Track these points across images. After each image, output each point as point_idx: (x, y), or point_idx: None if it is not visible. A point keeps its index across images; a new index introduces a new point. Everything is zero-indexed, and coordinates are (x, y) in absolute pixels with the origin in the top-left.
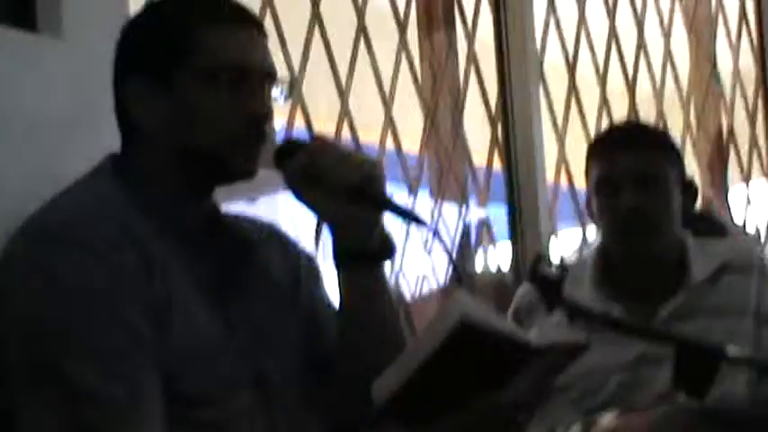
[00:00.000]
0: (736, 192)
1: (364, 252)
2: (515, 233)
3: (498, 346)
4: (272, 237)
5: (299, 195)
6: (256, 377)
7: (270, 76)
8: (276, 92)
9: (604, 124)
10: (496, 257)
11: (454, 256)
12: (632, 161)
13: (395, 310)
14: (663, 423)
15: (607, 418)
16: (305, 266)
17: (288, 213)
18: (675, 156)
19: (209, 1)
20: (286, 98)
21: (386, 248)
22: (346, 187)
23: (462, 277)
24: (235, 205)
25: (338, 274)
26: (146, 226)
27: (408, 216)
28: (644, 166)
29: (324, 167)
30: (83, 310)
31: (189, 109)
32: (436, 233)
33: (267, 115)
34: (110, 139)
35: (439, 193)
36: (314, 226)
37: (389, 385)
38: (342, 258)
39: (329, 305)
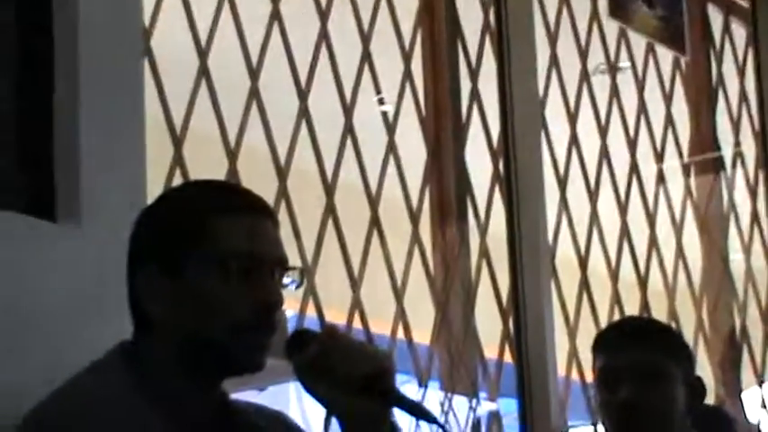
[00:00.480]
0: (751, 394)
1: None
2: (526, 427)
3: None
4: (280, 426)
5: (309, 387)
6: None
7: (281, 265)
8: (287, 280)
9: (616, 318)
10: None
11: None
12: (634, 356)
13: None
14: None
15: None
16: None
17: (297, 403)
18: (682, 353)
19: (221, 190)
20: (297, 286)
21: None
22: (356, 379)
23: None
24: (244, 394)
25: None
26: (154, 416)
27: (418, 411)
28: (646, 361)
29: (335, 359)
30: None
31: (197, 297)
32: (444, 429)
33: (277, 303)
34: (126, 330)
35: (449, 386)
36: (323, 417)
37: None
38: None
39: None
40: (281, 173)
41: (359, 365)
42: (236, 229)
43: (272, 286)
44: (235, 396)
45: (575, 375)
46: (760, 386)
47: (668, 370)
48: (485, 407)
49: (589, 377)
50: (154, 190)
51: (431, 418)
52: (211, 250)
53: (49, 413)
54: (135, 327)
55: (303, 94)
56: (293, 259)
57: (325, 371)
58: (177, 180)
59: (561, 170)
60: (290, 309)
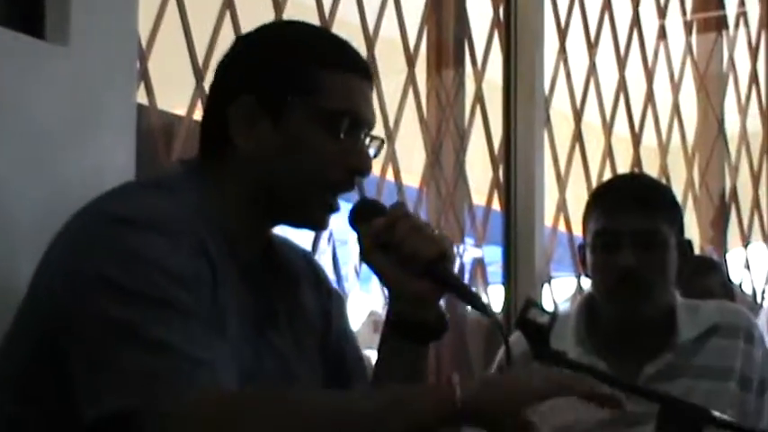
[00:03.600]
0: (735, 255)
1: (420, 326)
2: (510, 276)
3: None
4: (308, 268)
5: (368, 258)
6: None
7: (371, 129)
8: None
9: (607, 172)
10: (489, 298)
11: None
12: (634, 220)
13: None
14: None
15: None
16: (336, 306)
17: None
18: (677, 216)
19: (340, 46)
20: (375, 155)
21: (440, 326)
22: (419, 261)
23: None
24: None
25: (387, 342)
26: (211, 242)
27: (473, 300)
28: (646, 226)
29: (401, 236)
30: (162, 282)
31: (298, 144)
32: (499, 325)
33: (369, 171)
34: (112, 148)
35: (437, 230)
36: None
37: None
38: (396, 327)
39: (357, 349)
40: (277, 4)
41: (424, 248)
42: (347, 87)
43: (367, 152)
44: None
45: (562, 227)
46: (745, 247)
47: (667, 236)
48: (470, 253)
49: (576, 229)
50: (146, 14)
51: (485, 309)
52: (324, 102)
53: (128, 207)
54: (206, 150)
55: None
56: None
57: (388, 246)
58: (171, 6)
59: (562, 20)
60: None
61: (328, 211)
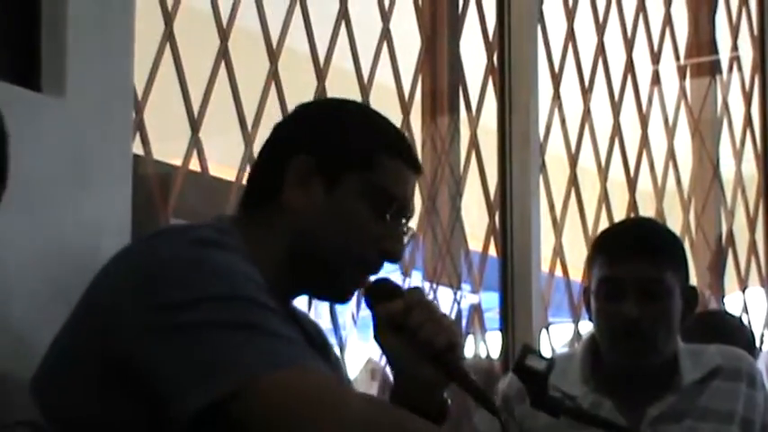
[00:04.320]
0: (733, 299)
1: (422, 411)
2: (507, 322)
3: None
4: (317, 336)
5: (381, 338)
6: None
7: (407, 218)
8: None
9: (603, 217)
10: (487, 345)
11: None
12: (638, 268)
13: None
14: None
15: None
16: (341, 373)
17: None
18: (682, 262)
19: (400, 135)
20: (406, 245)
21: (441, 413)
22: (431, 348)
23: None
24: None
25: None
26: None
27: (477, 393)
28: (650, 274)
29: (417, 324)
30: (254, 289)
31: (345, 213)
32: (499, 416)
33: (399, 260)
34: (108, 198)
35: (433, 277)
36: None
37: None
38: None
39: None
40: (272, 53)
41: (439, 336)
42: (402, 175)
43: (403, 240)
44: None
45: (558, 272)
46: (743, 292)
47: (671, 285)
48: (468, 299)
49: (573, 275)
50: (141, 66)
51: (490, 404)
52: (378, 181)
53: (193, 234)
54: (250, 204)
55: None
56: None
57: (403, 329)
58: (167, 58)
59: (556, 66)
60: None
61: (356, 287)
